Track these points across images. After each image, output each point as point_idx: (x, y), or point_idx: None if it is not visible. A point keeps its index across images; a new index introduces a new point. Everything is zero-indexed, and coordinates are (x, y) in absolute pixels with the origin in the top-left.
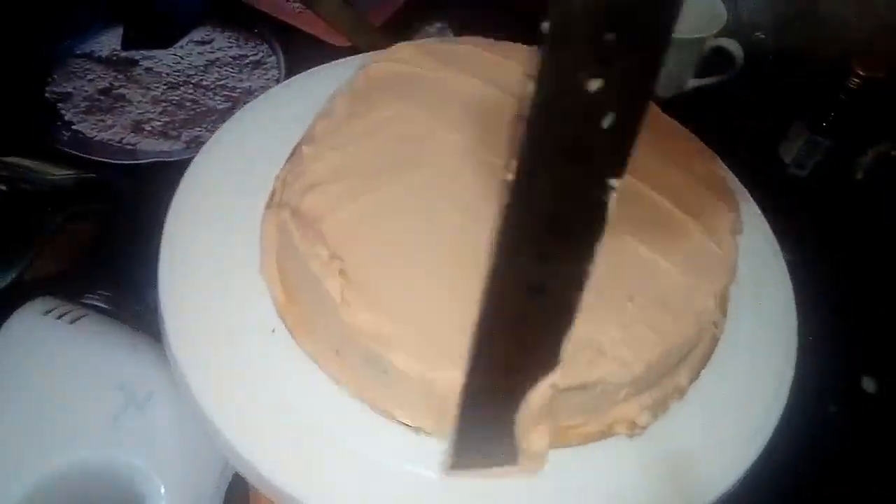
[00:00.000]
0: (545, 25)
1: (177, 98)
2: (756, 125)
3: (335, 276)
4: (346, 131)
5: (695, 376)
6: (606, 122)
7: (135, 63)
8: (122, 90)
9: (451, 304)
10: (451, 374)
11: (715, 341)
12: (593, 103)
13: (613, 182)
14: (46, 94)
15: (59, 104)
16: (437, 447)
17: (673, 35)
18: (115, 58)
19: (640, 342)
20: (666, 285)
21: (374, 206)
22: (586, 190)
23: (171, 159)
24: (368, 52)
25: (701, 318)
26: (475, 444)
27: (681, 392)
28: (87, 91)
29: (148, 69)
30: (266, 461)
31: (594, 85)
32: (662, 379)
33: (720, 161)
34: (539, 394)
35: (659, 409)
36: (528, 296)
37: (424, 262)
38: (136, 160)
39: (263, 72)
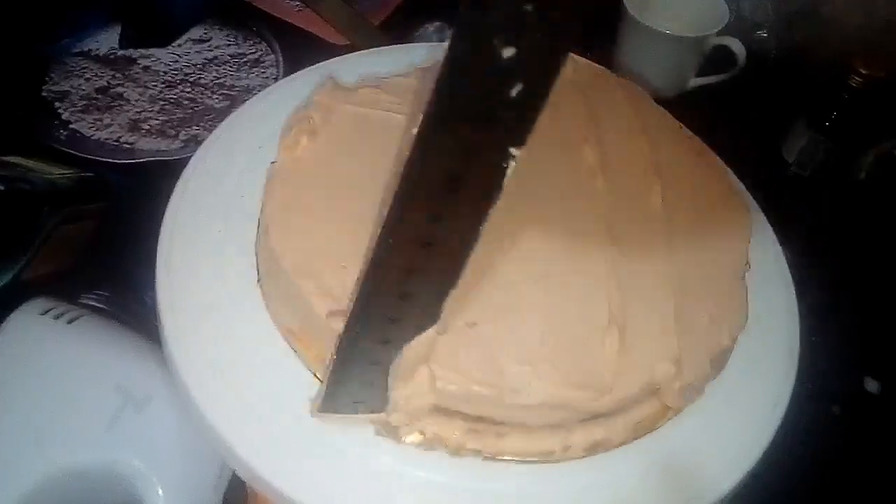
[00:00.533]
0: None
1: (175, 96)
2: (758, 124)
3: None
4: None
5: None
6: (514, 91)
7: (132, 61)
8: (119, 89)
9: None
10: None
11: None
12: (504, 70)
13: (515, 151)
14: (44, 93)
15: (57, 103)
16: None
17: (675, 33)
18: (112, 56)
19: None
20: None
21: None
22: (488, 155)
23: (169, 158)
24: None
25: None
26: (348, 388)
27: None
28: (84, 90)
29: (146, 68)
30: (263, 462)
31: (507, 52)
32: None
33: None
34: (415, 346)
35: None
36: (417, 249)
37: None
38: (134, 159)
39: (262, 70)
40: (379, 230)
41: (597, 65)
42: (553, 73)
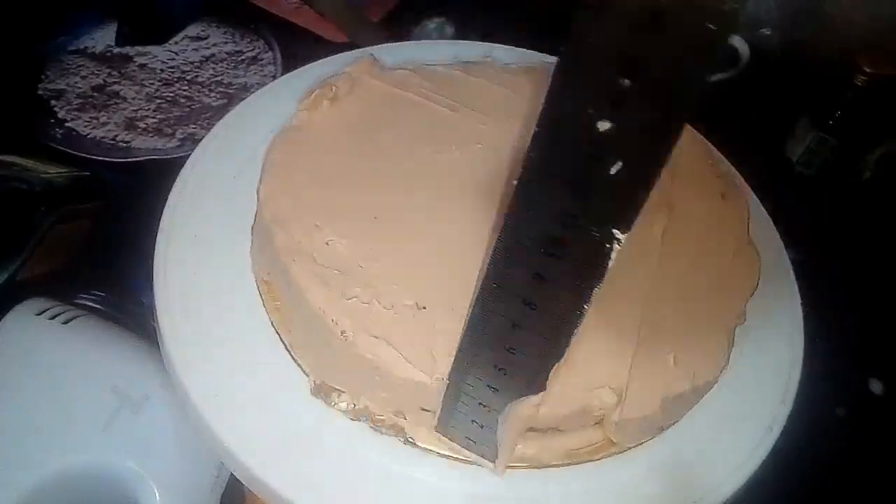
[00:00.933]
0: (563, 51)
1: (171, 95)
2: (762, 122)
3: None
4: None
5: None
6: (613, 169)
7: (129, 59)
8: (115, 87)
9: (440, 313)
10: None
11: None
12: (601, 145)
13: (617, 233)
14: (39, 91)
15: (53, 101)
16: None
17: None
18: (108, 54)
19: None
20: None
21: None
22: (587, 227)
23: (166, 157)
24: (366, 46)
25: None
26: (460, 419)
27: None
28: (80, 88)
29: (142, 65)
30: (261, 464)
31: (603, 126)
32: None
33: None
34: (521, 410)
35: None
36: (520, 306)
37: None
38: (131, 158)
39: (260, 68)
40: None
41: None
42: (659, 156)
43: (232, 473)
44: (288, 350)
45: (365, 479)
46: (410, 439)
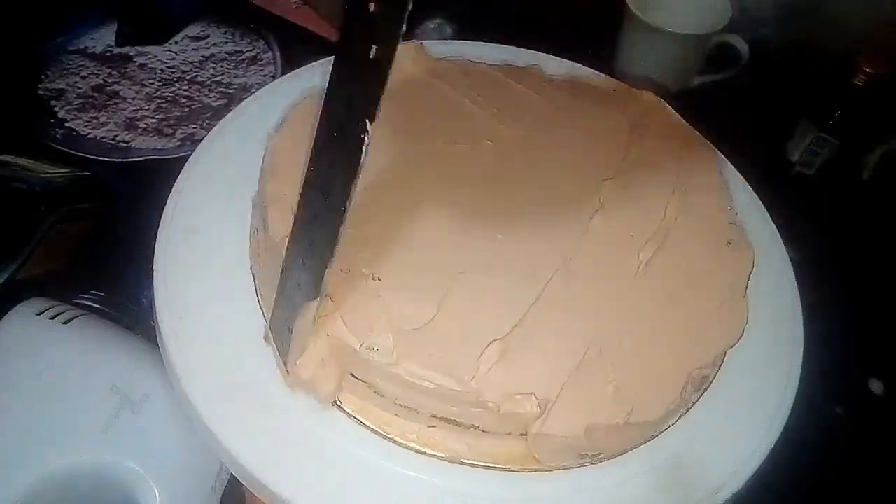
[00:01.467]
0: None
1: (171, 95)
2: (762, 123)
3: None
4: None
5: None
6: (372, 53)
7: (129, 59)
8: (115, 87)
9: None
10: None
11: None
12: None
13: (368, 124)
14: (40, 92)
15: (53, 101)
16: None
17: (679, 32)
18: (108, 54)
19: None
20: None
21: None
22: (355, 121)
23: (166, 157)
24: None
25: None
26: (279, 325)
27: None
28: (80, 88)
29: (142, 66)
30: (260, 464)
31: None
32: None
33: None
34: (306, 313)
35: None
36: (319, 197)
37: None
38: (131, 158)
39: (260, 68)
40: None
41: (671, 113)
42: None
43: (232, 473)
44: None
45: (363, 479)
46: (339, 403)
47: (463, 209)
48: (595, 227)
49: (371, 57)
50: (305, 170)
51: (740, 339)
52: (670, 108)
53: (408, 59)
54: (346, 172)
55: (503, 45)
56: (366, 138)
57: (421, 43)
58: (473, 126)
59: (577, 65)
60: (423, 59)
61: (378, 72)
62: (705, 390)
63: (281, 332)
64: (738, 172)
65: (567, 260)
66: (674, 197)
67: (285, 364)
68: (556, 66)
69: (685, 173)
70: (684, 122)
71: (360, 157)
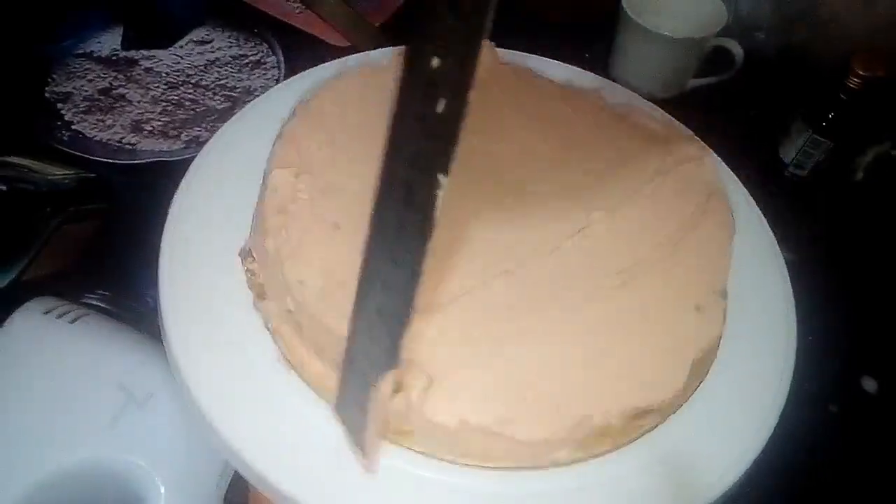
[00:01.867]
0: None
1: (176, 98)
2: (756, 125)
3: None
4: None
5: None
6: (440, 107)
7: (134, 63)
8: (121, 90)
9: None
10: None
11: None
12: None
13: (441, 177)
14: (46, 94)
15: (59, 104)
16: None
17: (674, 35)
18: (114, 58)
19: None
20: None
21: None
22: (426, 182)
23: (171, 159)
24: (368, 51)
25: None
26: (349, 405)
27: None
28: (86, 91)
29: (148, 69)
30: (265, 461)
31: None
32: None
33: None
34: (382, 389)
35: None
36: (381, 292)
37: None
38: (136, 160)
39: (263, 71)
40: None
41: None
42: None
43: (236, 470)
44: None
45: (371, 478)
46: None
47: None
48: (573, 250)
49: (439, 112)
50: (367, 236)
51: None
52: (712, 158)
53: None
54: (420, 234)
55: (576, 68)
56: (440, 194)
57: (490, 42)
58: (496, 127)
59: (638, 97)
60: (487, 58)
61: (448, 128)
62: (695, 389)
63: (352, 411)
64: (732, 173)
65: (522, 266)
66: (672, 245)
67: (359, 445)
68: (619, 93)
69: (693, 211)
70: (717, 177)
71: (434, 215)
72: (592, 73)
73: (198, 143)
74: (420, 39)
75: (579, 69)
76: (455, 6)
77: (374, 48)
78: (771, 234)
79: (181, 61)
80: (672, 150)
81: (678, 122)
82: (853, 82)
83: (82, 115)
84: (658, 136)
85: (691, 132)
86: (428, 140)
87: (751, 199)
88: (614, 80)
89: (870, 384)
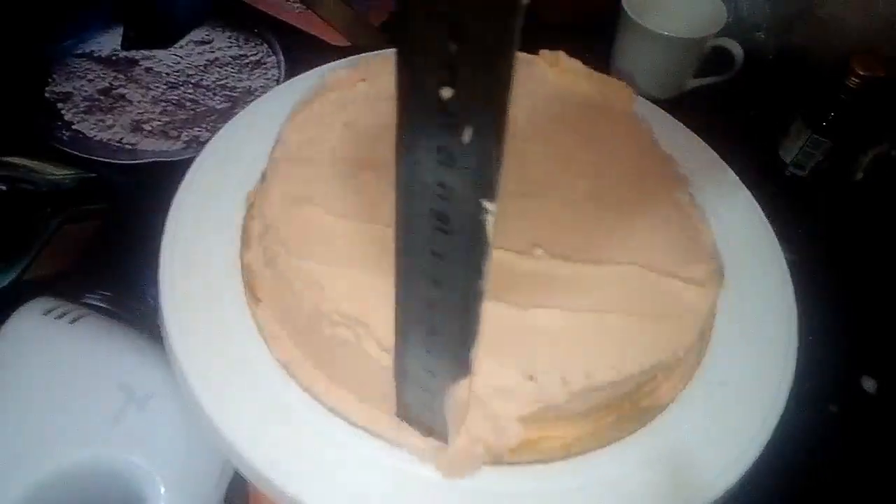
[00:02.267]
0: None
1: (176, 98)
2: (756, 125)
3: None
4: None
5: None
6: (466, 137)
7: (135, 63)
8: (121, 90)
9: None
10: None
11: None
12: (449, 113)
13: (487, 204)
14: (46, 94)
15: (59, 104)
16: (433, 446)
17: (673, 35)
18: (115, 58)
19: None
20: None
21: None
22: (464, 202)
23: (171, 159)
24: (369, 51)
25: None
26: (416, 410)
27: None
28: (87, 91)
29: (148, 69)
30: (266, 460)
31: (446, 93)
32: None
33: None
34: (457, 393)
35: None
36: (430, 287)
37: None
38: (136, 160)
39: (263, 71)
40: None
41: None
42: (500, 112)
43: (236, 469)
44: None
45: (369, 476)
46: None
47: None
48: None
49: (466, 141)
50: (399, 265)
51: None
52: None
53: None
54: (468, 261)
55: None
56: (489, 219)
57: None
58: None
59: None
60: (623, 99)
61: (483, 159)
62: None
63: (423, 414)
64: (733, 173)
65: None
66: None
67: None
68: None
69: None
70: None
71: (487, 239)
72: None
73: (198, 144)
74: (420, 71)
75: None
76: (457, 30)
77: (374, 48)
78: (772, 233)
79: (181, 61)
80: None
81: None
82: (853, 82)
83: (82, 115)
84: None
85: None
86: (463, 170)
87: (752, 199)
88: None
89: (869, 384)
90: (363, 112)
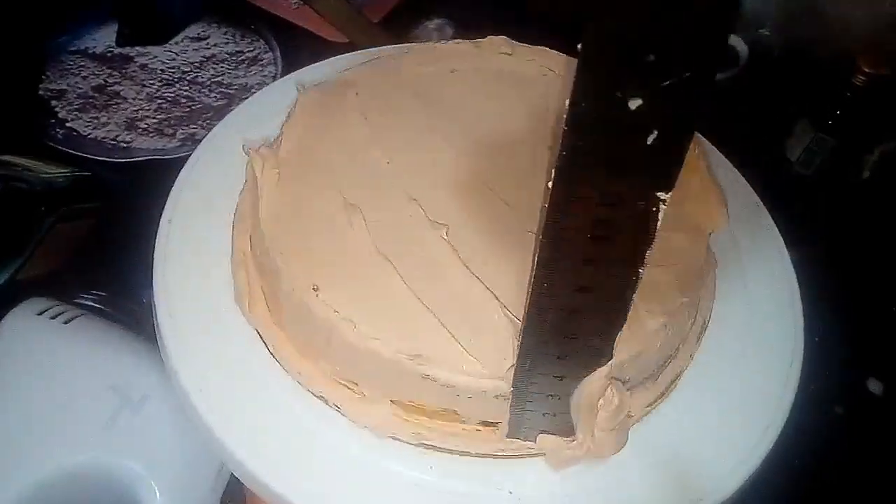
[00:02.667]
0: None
1: (172, 95)
2: (761, 122)
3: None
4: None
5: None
6: (650, 139)
7: (129, 60)
8: (116, 87)
9: (429, 308)
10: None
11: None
12: (635, 122)
13: (662, 195)
14: (40, 92)
15: (53, 101)
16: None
17: None
18: (109, 54)
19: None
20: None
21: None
22: (632, 201)
23: (167, 157)
24: (366, 48)
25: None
26: (530, 419)
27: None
28: (81, 88)
29: (143, 66)
30: (261, 464)
31: (634, 104)
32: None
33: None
34: (593, 385)
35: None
36: (573, 293)
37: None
38: (131, 158)
39: (260, 68)
40: (534, 271)
41: None
42: (690, 113)
43: (232, 473)
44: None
45: (366, 479)
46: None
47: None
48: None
49: (649, 143)
50: (534, 261)
51: None
52: None
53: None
54: (628, 258)
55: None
56: (658, 211)
57: (507, 38)
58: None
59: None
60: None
61: (663, 162)
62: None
63: (538, 420)
64: (737, 171)
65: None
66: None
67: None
68: None
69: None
70: None
71: (649, 237)
72: None
73: (193, 141)
74: (610, 83)
75: None
76: (656, 46)
77: (372, 44)
78: (777, 233)
79: (177, 58)
80: None
81: None
82: (859, 80)
83: (76, 113)
84: None
85: None
86: (639, 173)
87: (757, 198)
88: None
89: (875, 386)
90: (363, 112)
